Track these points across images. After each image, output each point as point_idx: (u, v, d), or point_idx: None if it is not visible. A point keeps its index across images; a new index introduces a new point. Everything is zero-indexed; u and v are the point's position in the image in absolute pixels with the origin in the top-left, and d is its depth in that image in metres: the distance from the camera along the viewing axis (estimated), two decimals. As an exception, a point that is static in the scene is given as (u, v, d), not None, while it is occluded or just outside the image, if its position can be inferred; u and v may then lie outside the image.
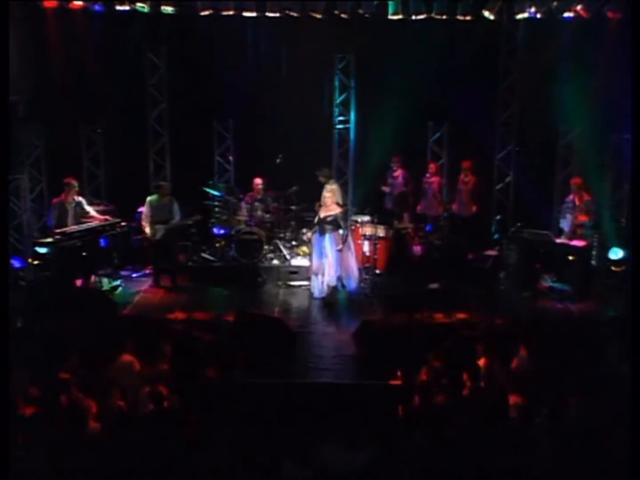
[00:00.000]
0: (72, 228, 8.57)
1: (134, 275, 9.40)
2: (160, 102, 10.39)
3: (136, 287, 8.96)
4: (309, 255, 8.87)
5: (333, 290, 8.38)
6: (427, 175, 10.28)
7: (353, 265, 8.49)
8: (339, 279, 8.39)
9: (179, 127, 10.43)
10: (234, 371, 6.22)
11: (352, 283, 8.48)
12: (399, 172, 10.30)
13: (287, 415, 5.53)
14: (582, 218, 8.66)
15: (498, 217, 10.71)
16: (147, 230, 8.78)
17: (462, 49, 9.98)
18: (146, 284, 9.07)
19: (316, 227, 8.37)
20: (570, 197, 8.88)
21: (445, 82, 9.92)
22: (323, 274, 8.33)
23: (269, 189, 10.10)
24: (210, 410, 5.21)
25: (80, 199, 8.85)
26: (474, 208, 10.00)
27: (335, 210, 8.25)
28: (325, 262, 8.26)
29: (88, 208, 8.88)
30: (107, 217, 9.05)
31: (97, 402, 5.14)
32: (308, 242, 8.99)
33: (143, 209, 8.95)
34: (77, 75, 9.94)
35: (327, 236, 8.22)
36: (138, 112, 10.25)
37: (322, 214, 8.29)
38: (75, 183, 8.78)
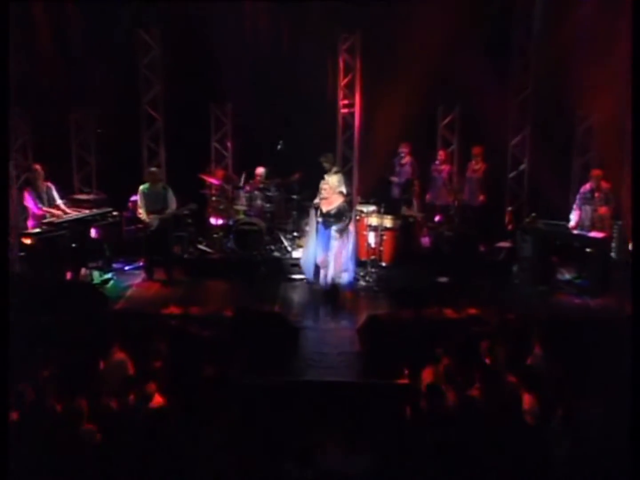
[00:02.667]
0: (61, 217, 8.56)
1: (127, 268, 9.40)
2: (154, 85, 10.36)
3: (129, 280, 8.96)
4: (304, 245, 8.83)
5: (337, 283, 8.34)
6: (437, 162, 10.24)
7: (350, 258, 8.45)
8: (344, 273, 8.35)
9: (174, 111, 10.39)
10: (232, 369, 6.23)
11: (346, 276, 8.44)
12: (407, 160, 10.25)
13: (288, 416, 5.55)
14: (603, 211, 8.62)
15: (511, 206, 10.68)
16: (144, 219, 8.74)
17: (474, 28, 9.89)
18: (139, 277, 9.07)
19: (315, 215, 8.32)
20: (588, 187, 8.85)
21: (456, 63, 9.85)
22: (327, 268, 8.29)
23: (269, 176, 10.09)
24: (208, 410, 5.23)
25: (51, 186, 8.77)
26: (485, 197, 9.97)
27: (338, 200, 8.22)
28: (331, 255, 8.22)
29: (57, 197, 8.80)
30: (75, 211, 8.89)
31: (87, 402, 5.16)
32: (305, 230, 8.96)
33: (136, 198, 8.94)
34: (65, 57, 9.92)
35: (333, 228, 8.20)
36: (130, 95, 10.23)
37: (324, 208, 8.23)
38: (40, 169, 8.70)
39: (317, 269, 8.48)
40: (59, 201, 8.79)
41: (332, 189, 8.20)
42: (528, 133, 10.44)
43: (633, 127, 5.63)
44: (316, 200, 8.34)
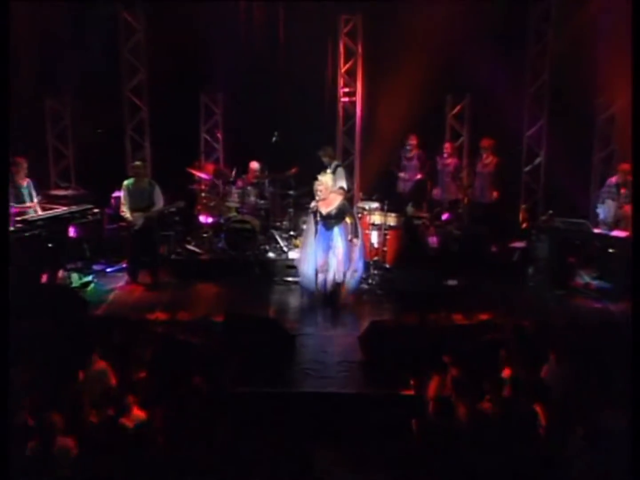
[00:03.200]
0: (36, 215, 8.56)
1: (109, 270, 9.40)
2: (138, 71, 10.37)
3: (111, 283, 8.96)
4: (301, 247, 8.78)
5: (340, 288, 8.32)
6: (444, 156, 10.23)
7: (359, 259, 8.41)
8: (347, 275, 8.31)
9: (159, 100, 10.41)
10: (223, 380, 6.23)
11: (355, 278, 8.40)
12: (414, 154, 10.24)
13: (283, 431, 5.55)
14: (629, 209, 8.62)
15: (526, 203, 10.69)
16: (127, 217, 8.75)
17: (487, 10, 9.91)
18: (122, 279, 9.06)
19: (313, 219, 8.25)
20: (613, 180, 8.85)
21: (467, 48, 9.86)
22: (328, 271, 8.23)
23: (264, 171, 10.09)
24: (197, 424, 5.23)
25: (29, 182, 8.76)
26: (497, 193, 9.98)
27: (337, 199, 8.16)
28: (333, 258, 8.17)
29: (34, 194, 8.76)
30: (52, 208, 8.93)
31: (65, 417, 5.14)
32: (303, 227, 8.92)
33: (119, 194, 8.94)
34: (41, 39, 9.91)
35: (335, 229, 8.15)
36: (112, 82, 10.23)
37: (323, 210, 8.16)
38: (23, 162, 8.69)
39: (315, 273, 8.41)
40: (34, 198, 8.77)
41: (328, 189, 8.11)
42: (544, 123, 10.48)
43: (633, 127, 5.85)
44: (313, 204, 8.23)
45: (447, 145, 10.29)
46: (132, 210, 8.73)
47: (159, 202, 8.85)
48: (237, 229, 9.51)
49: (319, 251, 8.22)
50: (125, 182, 8.84)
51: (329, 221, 8.14)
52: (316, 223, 8.24)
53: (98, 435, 5.03)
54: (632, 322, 5.32)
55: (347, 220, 8.21)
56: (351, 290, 8.36)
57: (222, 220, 9.84)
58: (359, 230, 8.28)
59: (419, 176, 10.22)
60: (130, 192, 8.77)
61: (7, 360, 4.71)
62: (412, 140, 10.18)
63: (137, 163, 9.18)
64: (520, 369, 5.92)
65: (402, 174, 10.34)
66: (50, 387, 5.67)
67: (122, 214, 8.79)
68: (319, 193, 8.11)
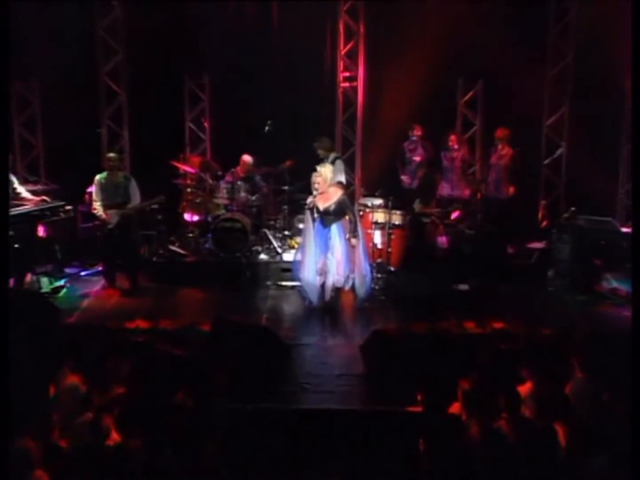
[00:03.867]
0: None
1: (83, 273, 9.42)
2: (115, 52, 10.36)
3: (85, 288, 8.98)
4: (299, 248, 8.78)
5: (340, 293, 8.32)
6: (450, 148, 10.22)
7: (364, 260, 8.42)
8: (348, 278, 8.30)
9: (139, 84, 10.42)
10: (210, 396, 6.23)
11: (365, 283, 8.40)
12: (419, 145, 10.25)
13: (278, 451, 5.54)
14: None
15: (546, 199, 10.72)
16: (100, 215, 8.75)
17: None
18: (98, 284, 9.08)
19: (311, 216, 8.25)
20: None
21: (480, 27, 9.88)
22: (327, 274, 8.24)
23: (256, 164, 10.10)
24: (182, 444, 5.22)
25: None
26: (514, 188, 10.00)
27: (336, 193, 8.17)
28: (332, 259, 8.19)
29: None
30: (44, 197, 9.00)
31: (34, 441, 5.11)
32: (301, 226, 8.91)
33: (92, 189, 8.94)
34: (6, 14, 9.88)
35: (333, 227, 8.16)
36: (86, 64, 10.22)
37: (321, 205, 8.16)
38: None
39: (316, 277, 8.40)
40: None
41: (326, 181, 8.11)
42: (566, 111, 10.51)
43: (633, 127, 6.05)
44: (310, 199, 8.21)
45: (452, 137, 10.29)
46: (106, 207, 8.73)
47: (135, 197, 8.86)
48: (226, 228, 9.52)
49: (317, 251, 8.23)
50: (98, 177, 8.85)
51: (327, 218, 8.14)
52: (314, 220, 8.25)
53: (70, 463, 5.01)
54: (632, 322, 5.33)
55: (347, 217, 8.20)
56: (364, 297, 8.38)
57: (209, 219, 9.87)
58: (360, 229, 8.25)
59: (424, 170, 10.22)
60: (103, 187, 8.78)
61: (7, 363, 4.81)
62: (417, 131, 10.17)
63: (111, 155, 9.20)
64: (540, 383, 5.93)
65: (404, 177, 10.31)
66: (16, 406, 5.65)
67: (95, 211, 8.80)
68: (316, 186, 8.10)
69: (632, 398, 4.82)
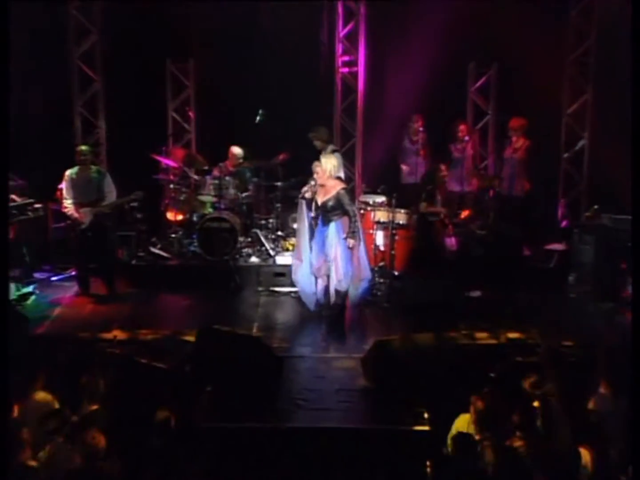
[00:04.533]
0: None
1: (54, 278, 9.43)
2: (88, 32, 10.34)
3: (56, 295, 8.99)
4: (293, 249, 8.78)
5: (341, 298, 8.29)
6: (458, 139, 10.22)
7: (365, 262, 8.42)
8: (349, 282, 8.27)
9: (116, 69, 10.41)
10: (196, 412, 6.24)
11: (359, 288, 8.41)
12: (421, 137, 10.20)
13: (270, 475, 5.55)
14: None
15: (566, 196, 10.72)
16: (72, 214, 8.75)
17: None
18: (71, 290, 9.09)
19: (306, 208, 8.26)
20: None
21: (494, 6, 9.89)
22: (327, 277, 8.23)
23: (246, 157, 10.09)
24: (164, 467, 5.23)
25: None
26: (529, 185, 10.01)
27: (336, 187, 8.19)
28: (331, 260, 8.17)
29: None
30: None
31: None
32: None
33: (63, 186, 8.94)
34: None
35: (332, 225, 8.16)
36: (57, 46, 10.20)
37: (319, 199, 8.18)
38: None
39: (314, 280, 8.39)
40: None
41: (326, 173, 8.13)
42: (589, 98, 10.49)
43: (633, 128, 6.25)
44: (305, 188, 8.26)
45: (461, 127, 10.28)
46: (78, 205, 8.75)
47: (111, 194, 8.88)
48: (212, 228, 9.53)
49: (314, 253, 8.24)
50: (68, 172, 8.86)
51: (325, 214, 8.15)
52: (309, 217, 8.24)
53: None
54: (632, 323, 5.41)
55: (347, 215, 8.15)
56: (355, 302, 8.38)
57: (194, 218, 9.86)
58: (359, 228, 8.23)
59: (428, 165, 10.19)
60: (74, 183, 8.79)
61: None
62: (418, 122, 10.08)
63: (82, 147, 9.17)
64: (560, 400, 5.94)
65: (405, 166, 10.33)
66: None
67: (65, 210, 8.81)
68: (315, 176, 8.13)
69: (632, 398, 4.94)
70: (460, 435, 5.49)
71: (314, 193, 8.21)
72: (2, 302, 5.72)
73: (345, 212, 8.10)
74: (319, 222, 8.23)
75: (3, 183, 6.38)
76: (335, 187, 8.17)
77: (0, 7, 6.20)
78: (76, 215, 8.74)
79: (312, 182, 8.16)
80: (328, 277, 8.25)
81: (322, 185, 8.15)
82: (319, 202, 8.18)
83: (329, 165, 8.18)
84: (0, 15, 6.19)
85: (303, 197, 8.30)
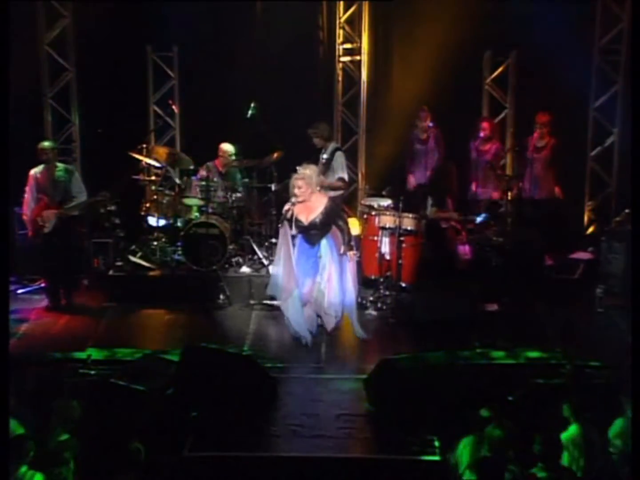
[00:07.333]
0: None
1: (20, 291, 9.46)
2: (60, 15, 10.37)
3: (24, 309, 8.98)
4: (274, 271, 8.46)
5: (338, 324, 8.24)
6: (480, 137, 10.26)
7: (354, 272, 8.29)
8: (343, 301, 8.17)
9: (91, 57, 10.43)
10: (178, 440, 6.24)
11: (348, 301, 8.27)
12: (430, 134, 10.22)
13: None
14: None
15: (593, 200, 10.74)
16: (33, 219, 8.78)
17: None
18: (40, 304, 9.12)
19: (289, 228, 8.02)
20: None
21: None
22: (317, 303, 8.09)
23: (237, 156, 10.11)
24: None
25: None
26: (555, 187, 10.03)
27: (322, 202, 7.98)
28: (322, 283, 8.03)
29: None
30: None
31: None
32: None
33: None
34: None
35: (322, 243, 8.01)
36: (24, 31, 10.22)
37: (304, 218, 7.93)
38: None
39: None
40: None
41: (310, 186, 7.88)
42: (619, 90, 10.50)
43: (633, 128, 6.38)
44: (287, 207, 7.98)
45: (485, 124, 10.28)
46: (43, 206, 8.75)
47: (80, 195, 8.90)
48: (199, 234, 9.56)
49: (301, 277, 8.07)
50: (33, 171, 8.91)
51: (314, 233, 8.02)
52: (293, 237, 8.03)
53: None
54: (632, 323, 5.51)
55: (338, 228, 8.03)
56: (335, 322, 8.20)
57: (178, 223, 9.89)
58: (352, 238, 8.12)
59: (437, 165, 10.20)
60: (39, 183, 8.82)
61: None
62: (425, 120, 10.08)
63: (45, 144, 9.11)
64: (587, 426, 5.95)
65: (413, 177, 10.34)
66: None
67: (25, 217, 8.84)
68: (296, 191, 7.87)
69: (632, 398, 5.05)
70: (475, 465, 5.50)
71: (295, 211, 7.95)
72: (2, 302, 5.83)
73: (337, 227, 8.00)
74: (306, 243, 8.09)
75: (3, 182, 6.45)
76: (321, 201, 7.98)
77: (0, 7, 6.42)
78: (39, 219, 8.71)
79: (293, 200, 7.93)
80: (317, 303, 8.11)
81: (303, 201, 7.92)
82: (305, 222, 7.95)
83: (314, 178, 7.95)
84: (0, 16, 6.42)
85: (286, 219, 7.99)
